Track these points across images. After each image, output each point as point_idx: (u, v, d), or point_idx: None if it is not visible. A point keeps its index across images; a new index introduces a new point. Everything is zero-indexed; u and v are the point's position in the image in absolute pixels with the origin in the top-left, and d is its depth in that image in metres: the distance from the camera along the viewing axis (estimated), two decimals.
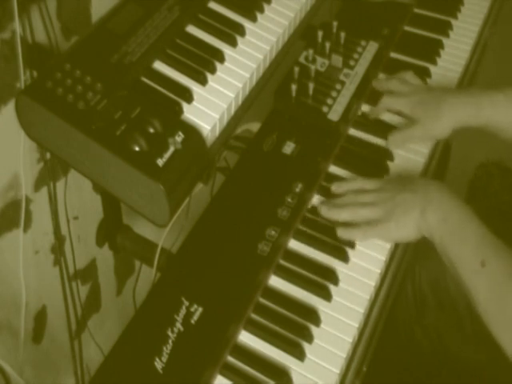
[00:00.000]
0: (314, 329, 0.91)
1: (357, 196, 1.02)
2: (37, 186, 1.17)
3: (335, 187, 1.05)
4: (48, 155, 1.12)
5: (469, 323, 1.20)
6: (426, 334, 1.27)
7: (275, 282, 0.95)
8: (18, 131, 0.96)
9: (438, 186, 0.99)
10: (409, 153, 1.13)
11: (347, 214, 1.00)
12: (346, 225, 1.00)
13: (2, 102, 1.02)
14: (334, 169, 1.09)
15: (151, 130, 0.88)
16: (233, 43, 1.03)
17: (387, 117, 1.17)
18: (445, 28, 1.33)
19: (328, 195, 1.05)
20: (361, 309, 0.93)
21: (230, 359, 0.88)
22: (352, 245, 0.99)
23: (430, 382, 1.33)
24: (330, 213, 1.01)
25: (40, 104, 0.88)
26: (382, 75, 1.24)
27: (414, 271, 1.25)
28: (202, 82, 0.97)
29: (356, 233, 0.99)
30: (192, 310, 0.87)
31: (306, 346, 0.89)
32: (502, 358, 1.15)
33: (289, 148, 1.07)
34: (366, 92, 1.19)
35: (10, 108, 1.00)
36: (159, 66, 0.99)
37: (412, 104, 1.13)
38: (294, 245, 1.00)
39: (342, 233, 0.99)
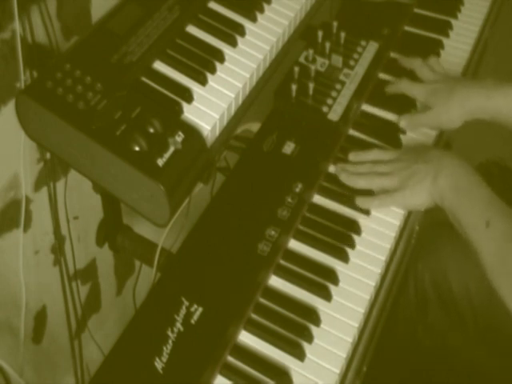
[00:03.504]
0: (314, 329, 0.90)
1: (374, 166, 1.06)
2: (37, 186, 1.17)
3: (353, 156, 1.09)
4: (48, 155, 1.12)
5: (471, 322, 1.20)
6: (428, 333, 1.28)
7: (275, 281, 0.95)
8: (18, 131, 0.96)
9: (451, 156, 1.03)
10: None
11: (364, 181, 1.04)
12: (364, 194, 1.03)
13: (2, 102, 1.02)
14: (334, 169, 1.09)
15: (151, 130, 0.88)
16: (233, 43, 1.03)
17: (388, 116, 1.17)
18: (445, 28, 1.33)
19: (328, 194, 1.05)
20: (361, 309, 0.93)
21: (230, 359, 0.88)
22: (352, 245, 0.99)
23: (431, 381, 1.33)
24: (348, 180, 1.05)
25: (40, 104, 0.88)
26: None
27: (417, 269, 1.26)
28: (202, 82, 0.97)
29: (373, 201, 1.03)
30: (192, 309, 0.87)
31: (306, 345, 0.89)
32: (504, 356, 1.15)
33: (289, 148, 1.07)
34: (366, 92, 1.19)
35: (10, 108, 1.00)
36: (159, 66, 0.99)
37: (427, 92, 1.15)
38: (294, 245, 1.00)
39: (359, 201, 1.03)
